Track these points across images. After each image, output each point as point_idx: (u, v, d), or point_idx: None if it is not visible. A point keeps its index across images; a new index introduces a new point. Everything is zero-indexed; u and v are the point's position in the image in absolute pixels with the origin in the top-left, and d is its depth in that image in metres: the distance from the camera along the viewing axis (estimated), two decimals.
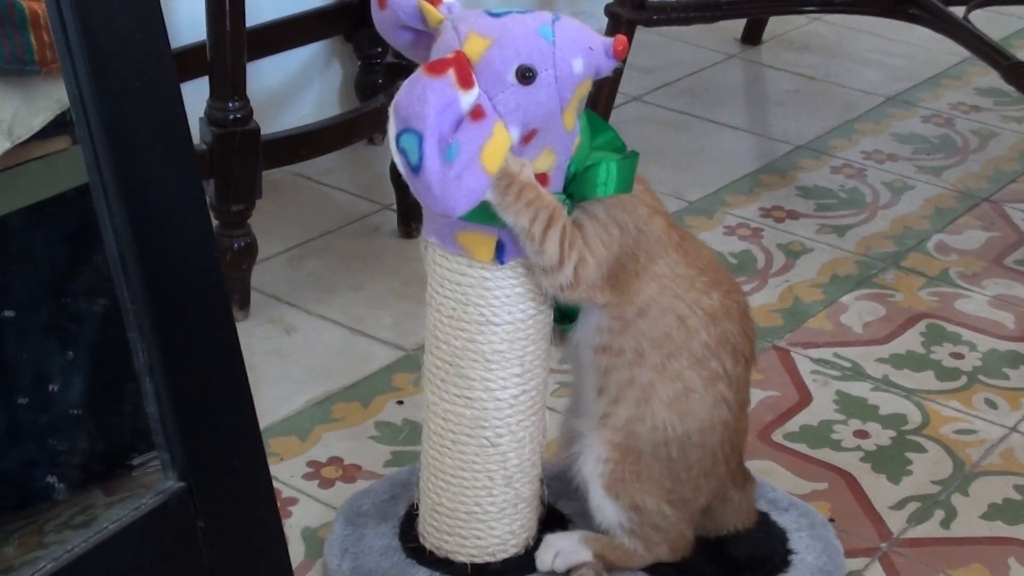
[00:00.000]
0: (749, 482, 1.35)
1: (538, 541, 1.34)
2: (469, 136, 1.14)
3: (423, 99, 1.13)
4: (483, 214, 1.20)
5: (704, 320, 1.24)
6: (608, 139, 1.24)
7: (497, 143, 1.15)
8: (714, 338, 1.25)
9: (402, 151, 1.14)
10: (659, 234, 1.24)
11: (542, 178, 1.21)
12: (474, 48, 1.16)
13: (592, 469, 1.29)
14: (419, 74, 1.15)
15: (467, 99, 1.14)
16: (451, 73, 1.14)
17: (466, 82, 1.14)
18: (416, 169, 1.13)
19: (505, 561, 1.33)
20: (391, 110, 1.15)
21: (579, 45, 1.18)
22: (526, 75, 1.16)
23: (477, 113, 1.14)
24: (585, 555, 1.30)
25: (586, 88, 1.21)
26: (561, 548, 1.31)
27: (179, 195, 0.94)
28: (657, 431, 1.26)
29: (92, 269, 1.03)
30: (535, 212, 1.17)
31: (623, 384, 1.26)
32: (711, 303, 1.25)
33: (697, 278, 1.25)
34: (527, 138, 1.18)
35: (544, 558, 1.31)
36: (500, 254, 1.23)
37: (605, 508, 1.29)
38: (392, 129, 1.15)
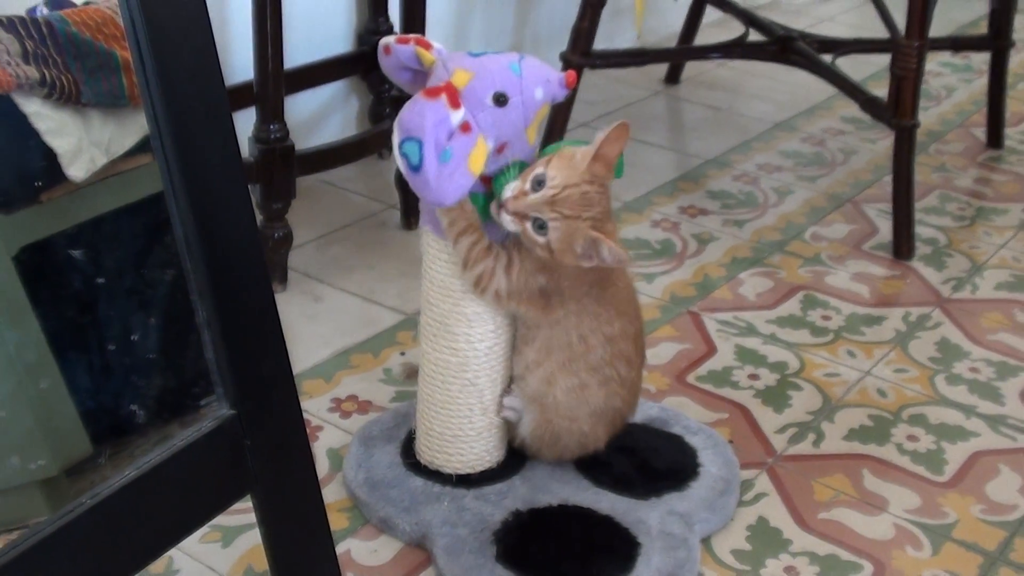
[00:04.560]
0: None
1: (506, 458, 1.35)
2: (460, 145, 1.13)
3: (422, 115, 1.12)
4: None
5: (602, 341, 1.25)
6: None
7: (479, 150, 1.15)
8: (608, 354, 1.26)
9: (404, 155, 1.13)
10: (580, 289, 1.22)
11: None
12: (460, 79, 1.16)
13: (525, 420, 1.32)
14: (418, 97, 1.14)
15: (456, 116, 1.14)
16: (443, 96, 1.13)
17: (455, 104, 1.14)
18: (416, 169, 1.13)
19: (482, 472, 1.33)
20: (395, 124, 1.14)
21: (540, 77, 1.18)
22: (500, 100, 1.16)
23: (466, 127, 1.14)
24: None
25: (545, 111, 1.21)
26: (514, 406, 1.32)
27: (230, 195, 0.93)
28: (560, 407, 1.28)
29: (164, 248, 1.02)
30: (451, 220, 1.19)
31: (531, 362, 1.27)
32: (611, 330, 1.25)
33: (604, 313, 1.24)
34: (500, 149, 1.18)
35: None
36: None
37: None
38: (396, 138, 1.14)
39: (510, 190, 1.16)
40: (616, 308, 1.25)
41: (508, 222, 1.16)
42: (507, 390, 1.31)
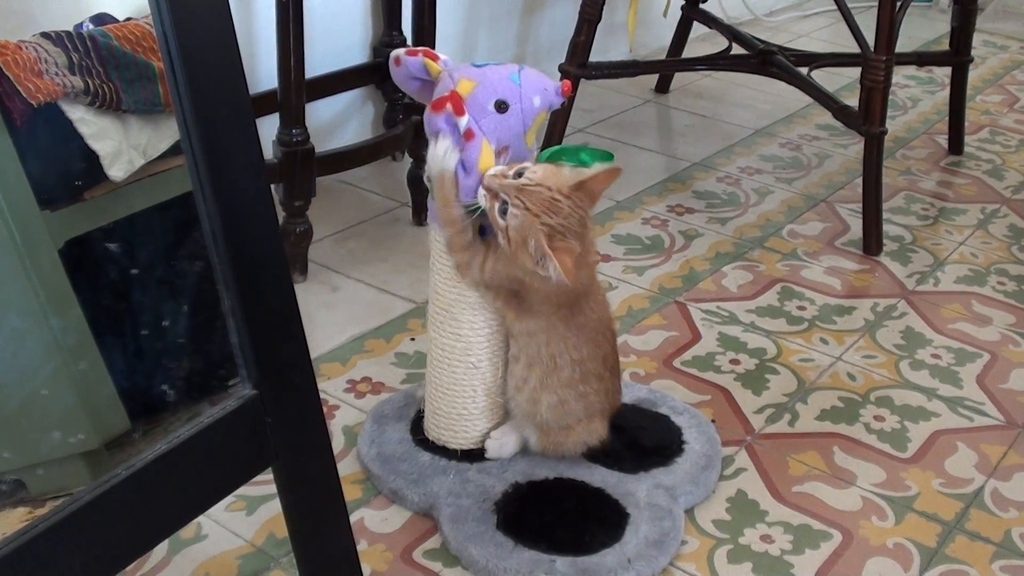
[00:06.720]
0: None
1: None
2: (470, 153, 1.14)
3: (434, 123, 1.13)
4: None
5: (570, 363, 1.23)
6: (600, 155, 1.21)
7: (486, 152, 1.15)
8: (578, 374, 1.24)
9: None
10: (548, 307, 1.20)
11: None
12: (464, 88, 1.16)
13: (528, 434, 1.31)
14: (428, 110, 1.14)
15: (461, 122, 1.14)
16: (448, 105, 1.13)
17: (459, 111, 1.14)
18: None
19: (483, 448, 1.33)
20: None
21: (538, 86, 1.18)
22: (501, 107, 1.16)
23: (469, 135, 1.14)
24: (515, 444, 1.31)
25: (543, 117, 1.20)
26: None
27: (253, 193, 0.93)
28: (549, 422, 1.27)
29: (193, 242, 1.02)
30: (445, 219, 1.19)
31: (519, 379, 1.26)
32: (578, 355, 1.23)
33: (572, 338, 1.22)
34: (500, 152, 1.17)
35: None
36: (482, 234, 1.22)
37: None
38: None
39: (494, 169, 1.15)
40: (584, 336, 1.23)
41: (481, 196, 1.15)
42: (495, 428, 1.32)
